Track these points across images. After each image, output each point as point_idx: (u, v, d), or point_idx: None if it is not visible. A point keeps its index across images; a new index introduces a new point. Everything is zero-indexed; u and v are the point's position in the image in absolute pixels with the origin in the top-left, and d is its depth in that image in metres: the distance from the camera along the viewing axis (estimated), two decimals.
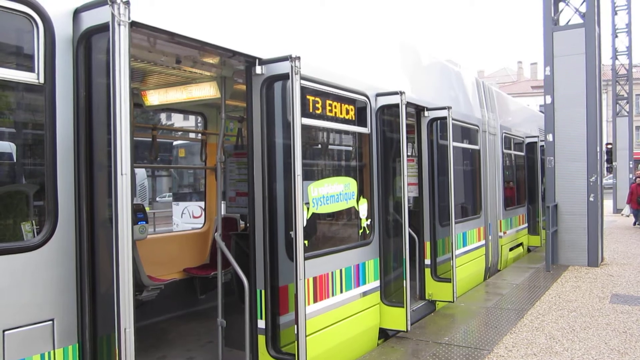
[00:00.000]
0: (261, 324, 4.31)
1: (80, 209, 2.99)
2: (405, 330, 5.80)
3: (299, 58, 3.84)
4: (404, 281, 5.81)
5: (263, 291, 4.34)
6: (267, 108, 4.14)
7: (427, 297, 7.18)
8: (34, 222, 2.92)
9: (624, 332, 6.16)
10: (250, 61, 4.22)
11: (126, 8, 2.74)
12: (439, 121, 7.44)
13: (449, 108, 6.98)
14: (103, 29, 2.93)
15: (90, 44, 3.05)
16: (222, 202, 4.43)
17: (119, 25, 2.74)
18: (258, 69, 4.17)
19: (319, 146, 5.48)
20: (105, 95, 3.51)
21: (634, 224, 18.04)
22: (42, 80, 2.84)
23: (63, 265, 2.91)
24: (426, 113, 7.10)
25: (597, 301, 7.63)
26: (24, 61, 2.84)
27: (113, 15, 2.73)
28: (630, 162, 23.59)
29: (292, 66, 3.93)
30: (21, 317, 2.74)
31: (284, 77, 4.01)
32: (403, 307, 5.78)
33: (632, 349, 5.58)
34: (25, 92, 2.96)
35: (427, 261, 7.28)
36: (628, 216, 18.88)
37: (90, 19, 3.04)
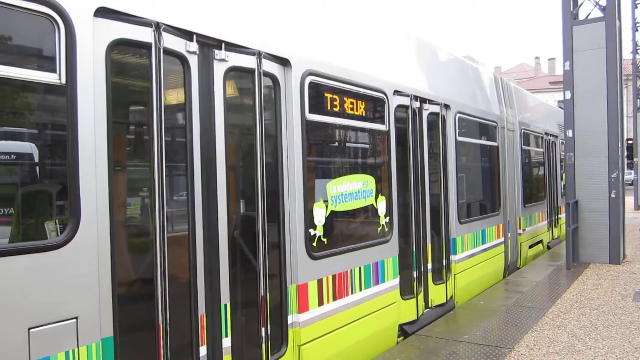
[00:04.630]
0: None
1: (111, 207, 3.04)
2: (416, 318, 5.85)
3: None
4: (413, 272, 5.81)
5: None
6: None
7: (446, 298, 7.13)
8: (57, 221, 2.95)
9: None
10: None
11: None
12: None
13: (443, 106, 6.95)
14: (134, 44, 3.14)
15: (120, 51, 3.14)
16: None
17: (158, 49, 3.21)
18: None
19: (337, 144, 5.46)
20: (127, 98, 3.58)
21: None
22: (63, 81, 2.86)
23: (86, 263, 2.93)
24: (433, 108, 7.02)
25: (619, 299, 7.51)
26: (46, 62, 2.86)
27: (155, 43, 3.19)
28: None
29: (257, 61, 3.99)
30: (45, 315, 2.77)
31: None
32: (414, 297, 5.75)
33: None
34: (46, 93, 3.00)
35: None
36: None
37: (118, 30, 3.12)
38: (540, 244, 11.85)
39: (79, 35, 2.92)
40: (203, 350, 3.65)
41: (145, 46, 3.31)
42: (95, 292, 2.98)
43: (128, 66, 3.45)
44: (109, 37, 3.13)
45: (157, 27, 3.32)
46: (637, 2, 21.87)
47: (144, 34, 3.30)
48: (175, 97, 3.66)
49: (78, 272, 2.90)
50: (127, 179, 3.64)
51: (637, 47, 23.01)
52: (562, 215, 13.68)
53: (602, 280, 8.78)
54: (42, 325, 2.75)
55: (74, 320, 2.88)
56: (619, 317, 6.59)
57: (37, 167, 3.25)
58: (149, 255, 3.34)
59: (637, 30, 22.64)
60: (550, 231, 12.74)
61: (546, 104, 14.37)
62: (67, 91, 2.88)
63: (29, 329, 2.69)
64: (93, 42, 3.00)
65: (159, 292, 3.29)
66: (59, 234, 2.90)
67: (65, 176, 2.90)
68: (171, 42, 3.49)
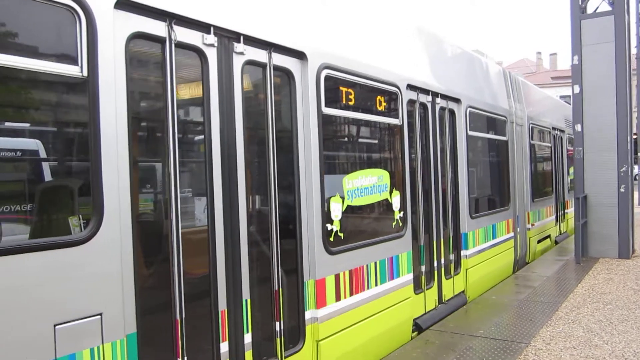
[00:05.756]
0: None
1: (133, 202, 3.03)
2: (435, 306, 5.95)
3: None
4: (426, 267, 5.90)
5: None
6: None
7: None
8: (80, 216, 2.92)
9: None
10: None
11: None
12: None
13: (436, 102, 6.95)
14: (151, 37, 3.17)
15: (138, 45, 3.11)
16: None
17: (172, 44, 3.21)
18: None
19: (352, 138, 5.43)
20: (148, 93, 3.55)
21: None
22: (85, 74, 2.83)
23: (110, 258, 2.90)
24: (445, 103, 7.00)
25: (632, 293, 7.47)
26: (67, 55, 2.82)
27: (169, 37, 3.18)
28: None
29: (268, 54, 3.97)
30: (70, 311, 2.74)
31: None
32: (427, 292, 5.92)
33: None
34: (67, 87, 2.96)
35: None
36: None
37: (136, 23, 3.09)
38: (548, 239, 11.81)
39: (100, 28, 2.88)
40: (224, 347, 3.63)
41: (161, 40, 3.28)
42: (118, 288, 2.95)
43: (146, 60, 3.42)
44: (128, 30, 3.09)
45: (171, 20, 3.29)
46: None
47: (160, 28, 3.27)
48: (193, 91, 3.63)
49: (102, 267, 2.87)
50: (146, 174, 3.60)
51: None
52: (569, 210, 13.65)
53: (613, 275, 8.74)
54: (67, 322, 2.72)
55: (99, 316, 2.85)
56: (633, 312, 6.55)
57: (58, 162, 3.21)
58: (167, 251, 3.32)
59: None
60: (558, 226, 12.70)
61: (553, 98, 14.32)
62: (89, 85, 2.84)
63: (54, 326, 2.66)
64: (114, 35, 2.96)
65: (176, 287, 3.28)
66: (82, 229, 2.86)
67: (87, 171, 2.87)
68: (187, 35, 3.46)
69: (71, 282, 2.75)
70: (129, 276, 3.02)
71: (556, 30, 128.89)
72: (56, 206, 2.92)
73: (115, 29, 2.99)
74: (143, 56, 3.38)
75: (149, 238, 3.43)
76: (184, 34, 3.42)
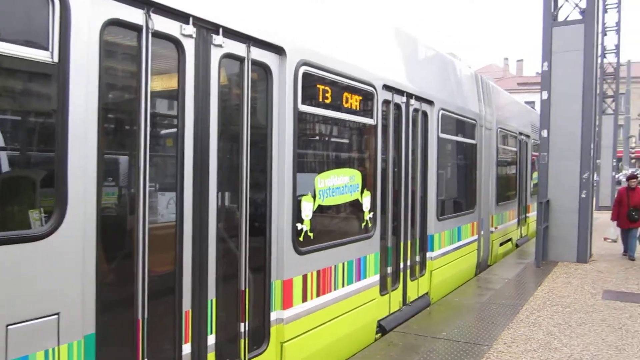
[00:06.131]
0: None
1: (99, 196, 2.89)
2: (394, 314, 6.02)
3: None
4: (392, 268, 5.97)
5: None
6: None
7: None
8: (42, 210, 2.75)
9: (619, 328, 6.19)
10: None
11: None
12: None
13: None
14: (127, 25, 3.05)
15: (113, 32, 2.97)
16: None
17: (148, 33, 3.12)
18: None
19: (326, 137, 5.36)
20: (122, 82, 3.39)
21: (625, 252, 11.06)
22: (56, 60, 2.66)
23: (71, 255, 2.75)
24: (418, 105, 7.01)
25: (589, 297, 7.67)
26: (38, 39, 2.65)
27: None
28: (614, 160, 23.95)
29: (247, 48, 3.87)
30: (25, 311, 2.59)
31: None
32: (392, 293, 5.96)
33: (629, 345, 5.61)
34: (35, 72, 2.77)
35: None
36: (615, 241, 11.31)
37: (112, 9, 2.95)
38: (510, 242, 12.03)
39: (74, 12, 2.73)
40: (187, 348, 3.51)
41: (138, 28, 3.13)
42: (78, 286, 2.81)
43: (121, 48, 3.26)
44: (104, 16, 2.94)
45: (149, 7, 3.15)
46: (607, 7, 22.34)
47: (138, 15, 3.12)
48: (168, 83, 3.48)
49: (62, 264, 2.72)
50: (114, 167, 3.44)
51: (605, 52, 23.54)
52: (531, 214, 13.94)
53: (571, 278, 8.97)
54: (21, 322, 2.56)
55: (56, 316, 2.71)
56: (590, 315, 6.72)
57: (20, 153, 3.02)
58: (132, 247, 3.19)
59: (605, 34, 23.15)
60: (519, 229, 12.95)
61: (520, 104, 14.57)
62: (60, 71, 2.68)
63: (7, 326, 2.50)
64: (88, 20, 2.81)
65: (139, 286, 3.15)
66: (43, 223, 2.70)
67: (52, 161, 2.71)
68: (165, 24, 3.31)
69: (28, 279, 2.59)
70: (90, 274, 2.88)
71: (523, 37, 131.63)
72: (15, 199, 2.74)
73: (90, 14, 2.83)
74: (118, 44, 3.22)
75: (114, 234, 3.28)
76: (161, 23, 3.28)
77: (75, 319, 2.80)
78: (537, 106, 21.93)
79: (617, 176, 25.83)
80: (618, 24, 22.80)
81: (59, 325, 2.73)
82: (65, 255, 2.73)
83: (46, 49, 2.64)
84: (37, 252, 2.60)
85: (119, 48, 3.22)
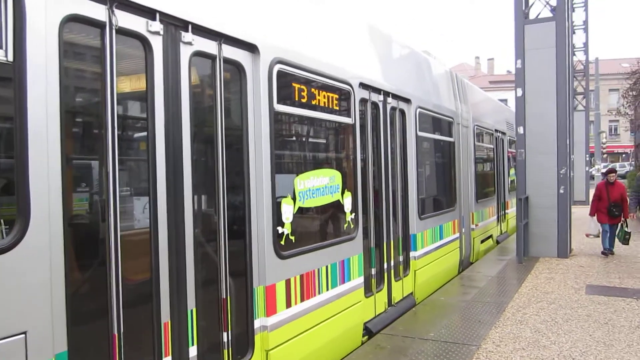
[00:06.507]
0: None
1: (64, 205, 2.70)
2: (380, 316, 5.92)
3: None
4: (376, 269, 5.87)
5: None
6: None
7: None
8: (2, 221, 2.54)
9: (606, 323, 6.16)
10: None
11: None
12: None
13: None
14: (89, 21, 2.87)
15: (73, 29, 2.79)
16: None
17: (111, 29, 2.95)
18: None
19: (304, 137, 5.21)
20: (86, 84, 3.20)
21: (605, 249, 10.65)
22: (10, 58, 2.47)
23: (36, 269, 2.55)
24: (395, 103, 6.93)
25: (573, 292, 7.66)
26: None
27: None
28: (587, 155, 24.34)
29: (218, 46, 3.72)
30: None
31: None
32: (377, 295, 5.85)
33: (616, 340, 5.57)
34: None
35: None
36: (597, 236, 10.96)
37: (72, 4, 2.77)
38: (491, 239, 12.04)
39: (29, 6, 2.53)
40: None
41: (101, 25, 2.95)
42: (47, 302, 2.60)
43: (83, 47, 3.07)
44: (63, 12, 2.75)
45: (112, 3, 2.97)
46: (574, 5, 22.70)
47: (100, 11, 2.94)
48: (136, 83, 3.30)
49: (27, 279, 2.51)
50: (81, 173, 3.24)
51: (574, 49, 23.92)
52: (509, 210, 14.01)
53: (554, 274, 8.97)
54: None
55: (22, 335, 2.50)
56: (575, 311, 6.69)
57: None
58: (104, 257, 2.99)
59: (574, 33, 23.52)
60: (499, 226, 12.99)
61: (496, 101, 14.66)
62: (15, 70, 2.48)
63: None
64: (45, 15, 2.62)
65: (113, 299, 2.96)
66: (4, 236, 2.50)
67: (11, 168, 2.51)
68: (130, 20, 3.14)
69: None
70: (59, 288, 2.68)
71: (493, 36, 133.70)
72: None
73: (47, 9, 2.64)
74: (80, 42, 3.03)
75: (84, 244, 3.09)
76: (126, 20, 3.10)
77: (44, 337, 2.60)
78: (510, 103, 22.06)
79: (590, 171, 26.26)
80: (586, 22, 23.20)
81: (27, 346, 2.52)
82: (30, 270, 2.53)
83: (0, 47, 2.44)
84: None
85: (81, 46, 3.04)
